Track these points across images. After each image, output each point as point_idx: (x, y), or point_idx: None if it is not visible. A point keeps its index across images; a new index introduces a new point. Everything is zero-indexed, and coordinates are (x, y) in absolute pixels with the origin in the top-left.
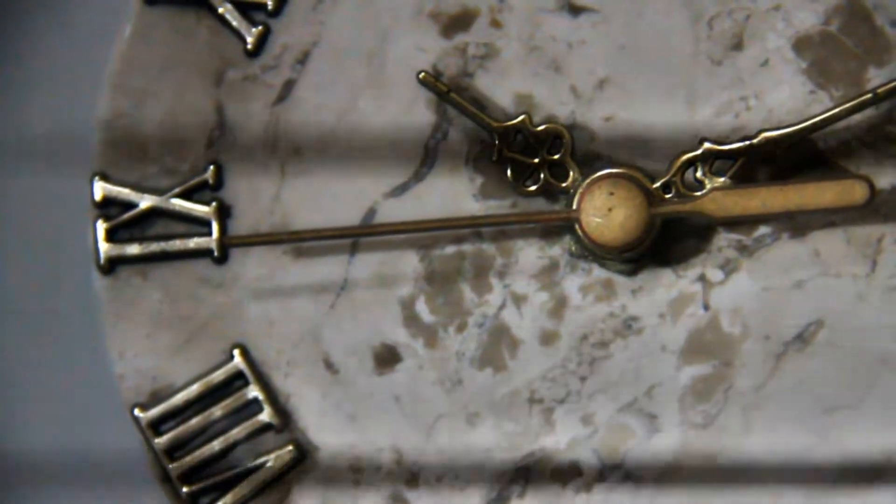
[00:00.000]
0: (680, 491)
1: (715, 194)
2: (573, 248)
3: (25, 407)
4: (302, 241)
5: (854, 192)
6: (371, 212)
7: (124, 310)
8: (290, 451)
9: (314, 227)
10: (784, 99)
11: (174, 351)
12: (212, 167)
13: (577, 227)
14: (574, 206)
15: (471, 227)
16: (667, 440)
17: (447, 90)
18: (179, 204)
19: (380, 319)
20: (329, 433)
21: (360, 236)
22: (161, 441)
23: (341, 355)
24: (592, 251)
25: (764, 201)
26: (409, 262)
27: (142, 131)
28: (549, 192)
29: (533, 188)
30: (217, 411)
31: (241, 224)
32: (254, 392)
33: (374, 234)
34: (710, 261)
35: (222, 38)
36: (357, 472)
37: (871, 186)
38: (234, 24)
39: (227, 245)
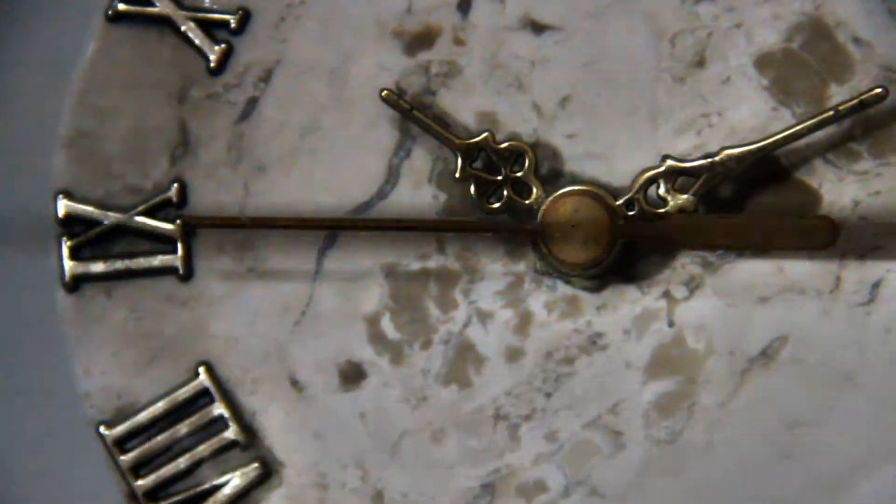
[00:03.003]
0: None
1: (679, 220)
2: (538, 265)
3: None
4: (262, 228)
5: (818, 234)
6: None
7: (89, 328)
8: (255, 468)
9: (278, 242)
10: (746, 116)
11: (139, 368)
12: (175, 185)
13: (539, 241)
14: (538, 220)
15: (434, 230)
16: (632, 456)
17: (410, 108)
18: (143, 222)
19: (345, 337)
20: (294, 450)
21: (322, 229)
22: (126, 458)
23: (306, 373)
24: (556, 267)
25: (727, 232)
26: (375, 280)
27: (105, 149)
28: (512, 210)
29: (496, 205)
30: (183, 429)
31: (206, 241)
32: (219, 409)
33: (336, 227)
34: (674, 277)
35: (185, 57)
36: (322, 489)
37: (835, 229)
38: (197, 42)
39: (188, 224)
